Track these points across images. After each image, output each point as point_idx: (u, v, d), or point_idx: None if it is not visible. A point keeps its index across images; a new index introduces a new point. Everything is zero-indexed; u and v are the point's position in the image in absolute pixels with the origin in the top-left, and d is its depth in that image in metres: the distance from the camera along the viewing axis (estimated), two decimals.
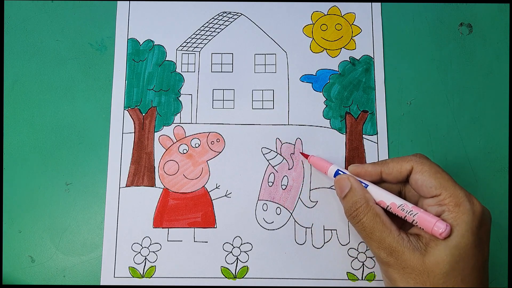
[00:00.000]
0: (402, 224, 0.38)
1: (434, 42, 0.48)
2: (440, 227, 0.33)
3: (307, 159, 0.44)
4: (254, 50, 0.48)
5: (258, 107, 0.47)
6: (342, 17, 0.49)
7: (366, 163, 0.41)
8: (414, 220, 0.35)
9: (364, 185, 0.39)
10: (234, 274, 0.43)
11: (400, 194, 0.40)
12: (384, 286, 0.39)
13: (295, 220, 0.44)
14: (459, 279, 0.33)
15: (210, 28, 0.49)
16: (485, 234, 0.34)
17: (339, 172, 0.41)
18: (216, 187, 0.45)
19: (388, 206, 0.37)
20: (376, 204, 0.37)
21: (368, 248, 0.44)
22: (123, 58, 0.48)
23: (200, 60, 0.48)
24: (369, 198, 0.37)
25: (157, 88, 0.47)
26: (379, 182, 0.39)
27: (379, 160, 0.43)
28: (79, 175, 0.45)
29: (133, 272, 0.43)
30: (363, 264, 0.43)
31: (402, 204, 0.36)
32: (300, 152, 0.45)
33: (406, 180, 0.38)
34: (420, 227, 0.35)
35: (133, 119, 0.46)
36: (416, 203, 0.38)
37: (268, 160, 0.46)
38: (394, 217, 0.37)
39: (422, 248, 0.34)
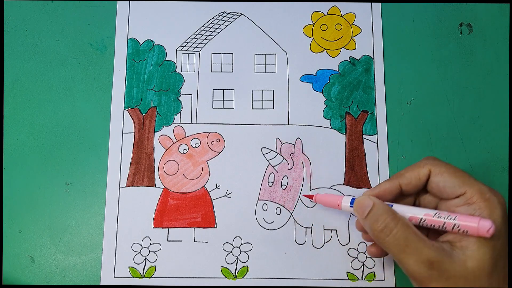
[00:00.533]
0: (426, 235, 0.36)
1: (434, 42, 0.48)
2: (486, 225, 0.31)
3: (311, 199, 0.43)
4: (254, 50, 0.48)
5: (258, 107, 0.47)
6: (342, 17, 0.49)
7: (374, 187, 0.38)
8: (455, 224, 0.33)
9: (390, 204, 0.36)
10: (234, 274, 0.43)
11: (415, 205, 0.38)
12: None
13: (295, 220, 0.44)
14: (501, 277, 0.32)
15: (210, 28, 0.49)
16: (508, 223, 0.33)
17: (355, 199, 0.38)
18: (216, 187, 0.45)
19: (422, 219, 0.34)
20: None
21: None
22: (123, 58, 0.48)
23: (200, 60, 0.48)
24: (394, 212, 0.34)
25: (157, 88, 0.47)
26: (397, 198, 0.38)
27: (391, 175, 0.41)
28: (79, 175, 0.45)
29: (133, 272, 0.43)
30: (363, 264, 0.43)
31: (437, 213, 0.34)
32: (304, 195, 0.44)
33: (424, 188, 0.37)
34: (463, 231, 0.32)
35: (133, 119, 0.46)
36: (436, 209, 0.36)
37: (268, 160, 0.46)
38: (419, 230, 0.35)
39: (460, 254, 0.32)
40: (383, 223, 0.34)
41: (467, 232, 0.32)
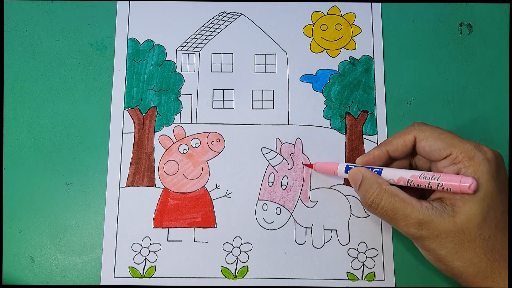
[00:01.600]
0: (420, 195, 0.38)
1: (434, 42, 0.48)
2: (467, 181, 0.33)
3: (312, 168, 0.45)
4: (254, 50, 0.48)
5: (258, 107, 0.47)
6: (342, 17, 0.49)
7: (365, 154, 0.41)
8: (439, 183, 0.35)
9: (378, 170, 0.39)
10: (234, 274, 0.43)
11: (412, 167, 0.40)
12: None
13: (295, 220, 0.44)
14: (493, 226, 0.33)
15: (210, 28, 0.49)
16: (504, 177, 0.35)
17: (349, 167, 0.41)
18: (216, 187, 0.45)
19: (409, 180, 0.37)
20: (396, 184, 0.37)
21: (369, 248, 0.44)
22: (123, 58, 0.48)
23: (200, 60, 0.48)
24: (382, 182, 0.37)
25: (157, 88, 0.47)
26: (390, 162, 0.40)
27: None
28: (79, 175, 0.45)
29: (133, 272, 0.43)
30: (363, 264, 0.43)
31: (422, 173, 0.36)
32: (304, 164, 0.45)
33: (414, 151, 0.39)
34: (447, 189, 0.34)
35: (133, 119, 0.46)
36: (429, 170, 0.38)
37: (268, 160, 0.46)
38: (412, 191, 0.37)
39: (449, 209, 0.34)
40: (371, 197, 0.37)
41: (451, 189, 0.34)
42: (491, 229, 0.33)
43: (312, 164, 0.45)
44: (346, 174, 0.41)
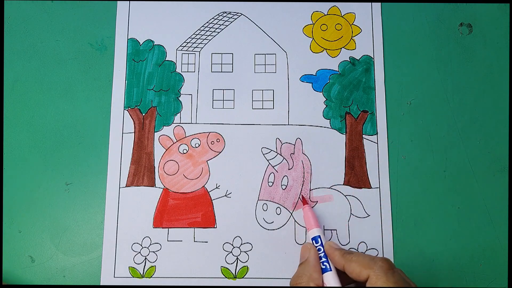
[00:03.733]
0: None
1: (434, 42, 0.48)
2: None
3: (302, 207, 0.44)
4: (254, 50, 0.48)
5: (258, 107, 0.47)
6: (342, 17, 0.49)
7: (337, 248, 0.39)
8: None
9: (328, 268, 0.38)
10: (234, 274, 0.43)
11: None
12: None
13: (295, 220, 0.44)
14: None
15: (210, 28, 0.49)
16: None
17: (318, 239, 0.40)
18: (216, 187, 0.45)
19: None
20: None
21: (368, 248, 0.44)
22: (123, 58, 0.48)
23: (200, 60, 0.48)
24: (315, 278, 0.37)
25: (157, 88, 0.47)
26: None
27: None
28: (79, 175, 0.45)
29: (133, 272, 0.43)
30: None
31: None
32: (302, 197, 0.44)
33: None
34: None
35: (133, 119, 0.46)
36: None
37: (268, 160, 0.46)
38: None
39: None
40: (296, 284, 0.38)
41: None
42: None
43: (305, 204, 0.43)
44: (308, 243, 0.41)
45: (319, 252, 0.39)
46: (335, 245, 0.39)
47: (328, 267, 0.38)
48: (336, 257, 0.38)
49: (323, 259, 0.39)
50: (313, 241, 0.40)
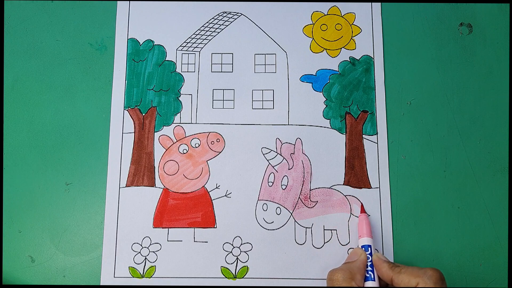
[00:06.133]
0: None
1: (434, 42, 0.48)
2: None
3: (359, 214, 0.44)
4: (254, 50, 0.48)
5: (258, 107, 0.47)
6: (342, 17, 0.49)
7: (385, 260, 0.39)
8: None
9: (371, 277, 0.39)
10: (234, 274, 0.43)
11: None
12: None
13: (295, 220, 0.44)
14: None
15: (210, 28, 0.49)
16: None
17: (368, 248, 0.40)
18: (216, 187, 0.45)
19: None
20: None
21: None
22: (123, 58, 0.48)
23: (200, 60, 0.48)
24: (358, 279, 0.38)
25: (157, 88, 0.47)
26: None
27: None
28: (79, 175, 0.45)
29: (133, 272, 0.43)
30: None
31: None
32: (361, 205, 0.44)
33: None
34: None
35: (133, 119, 0.46)
36: None
37: (268, 160, 0.46)
38: None
39: None
40: (335, 277, 0.38)
41: None
42: None
43: (361, 213, 0.43)
44: (360, 248, 0.41)
45: (367, 260, 0.40)
46: (384, 258, 0.40)
47: (372, 276, 0.39)
48: (384, 269, 0.38)
49: (369, 268, 0.39)
50: (363, 248, 0.41)
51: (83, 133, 0.46)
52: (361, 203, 0.44)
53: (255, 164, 0.45)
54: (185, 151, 0.46)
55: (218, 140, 0.46)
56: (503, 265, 0.44)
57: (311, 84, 0.47)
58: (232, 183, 0.45)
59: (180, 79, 0.47)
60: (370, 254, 0.40)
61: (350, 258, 0.40)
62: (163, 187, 0.45)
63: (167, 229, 0.44)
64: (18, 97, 0.47)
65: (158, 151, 0.46)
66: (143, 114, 0.47)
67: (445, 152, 0.46)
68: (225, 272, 0.43)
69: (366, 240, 0.41)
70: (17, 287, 0.43)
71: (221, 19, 0.49)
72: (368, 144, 0.46)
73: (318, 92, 0.47)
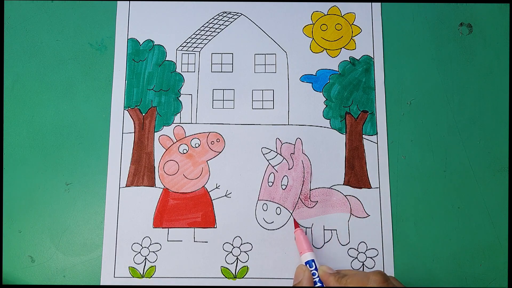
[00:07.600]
0: None
1: (434, 42, 0.48)
2: None
3: (294, 230, 0.43)
4: (254, 50, 0.48)
5: (258, 107, 0.47)
6: (342, 17, 0.49)
7: (331, 272, 0.39)
8: None
9: None
10: (234, 274, 0.43)
11: None
12: None
13: (295, 220, 0.44)
14: None
15: (210, 28, 0.49)
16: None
17: (312, 263, 0.40)
18: (216, 187, 0.45)
19: None
20: None
21: (368, 248, 0.44)
22: (123, 58, 0.48)
23: (200, 60, 0.48)
24: None
25: (157, 88, 0.47)
26: None
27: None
28: (79, 175, 0.45)
29: (133, 272, 0.43)
30: (363, 264, 0.43)
31: None
32: (294, 220, 0.44)
33: None
34: None
35: (133, 119, 0.46)
36: None
37: (268, 160, 0.46)
38: None
39: None
40: None
41: None
42: None
43: (297, 228, 0.43)
44: (303, 265, 0.41)
45: (314, 277, 0.40)
46: (329, 270, 0.39)
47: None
48: (331, 283, 0.38)
49: (318, 284, 0.39)
50: (307, 265, 0.40)
51: (83, 133, 0.46)
52: (294, 218, 0.44)
53: (255, 164, 0.45)
54: (185, 151, 0.46)
55: (218, 140, 0.46)
56: (503, 265, 0.44)
57: (311, 84, 0.47)
58: (232, 183, 0.45)
59: (180, 79, 0.47)
60: (316, 269, 0.40)
61: (296, 279, 0.40)
62: (163, 187, 0.45)
63: (167, 229, 0.44)
64: (18, 97, 0.47)
65: (158, 151, 0.46)
66: (143, 114, 0.47)
67: (445, 152, 0.46)
68: (225, 272, 0.43)
69: (308, 255, 0.41)
70: (17, 287, 0.43)
71: (221, 19, 0.49)
72: (368, 144, 0.46)
73: (318, 92, 0.47)
